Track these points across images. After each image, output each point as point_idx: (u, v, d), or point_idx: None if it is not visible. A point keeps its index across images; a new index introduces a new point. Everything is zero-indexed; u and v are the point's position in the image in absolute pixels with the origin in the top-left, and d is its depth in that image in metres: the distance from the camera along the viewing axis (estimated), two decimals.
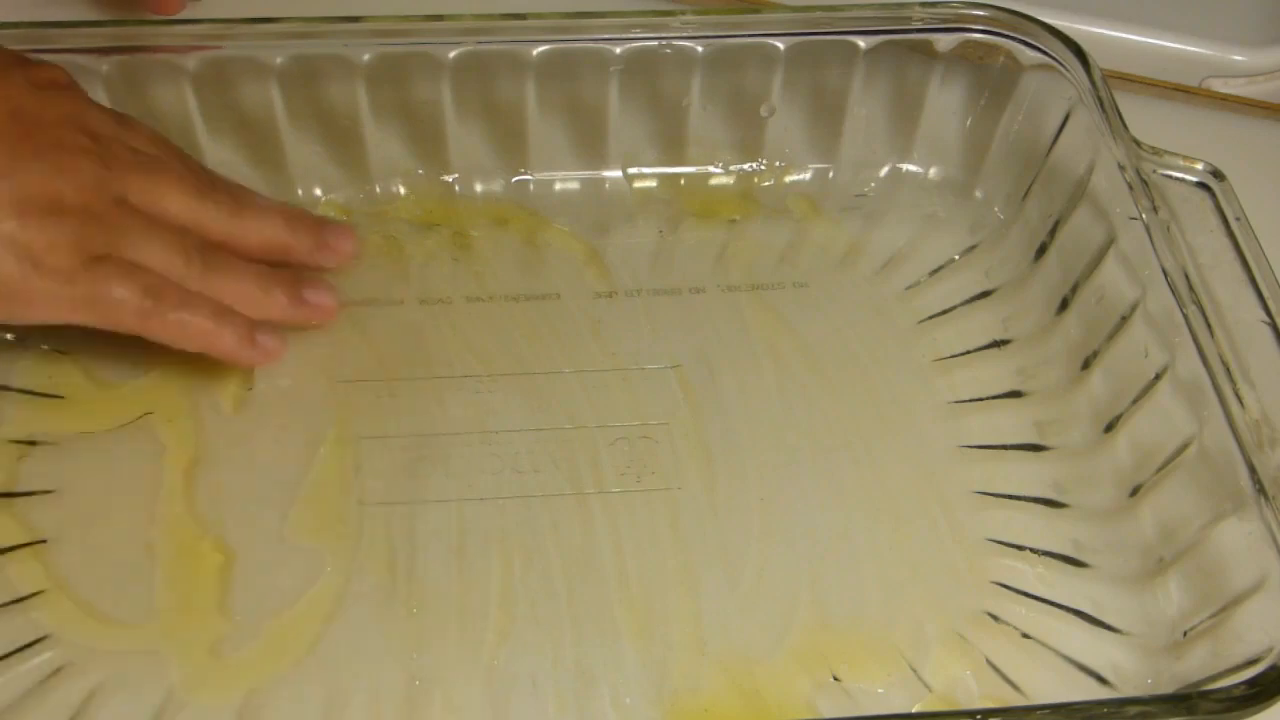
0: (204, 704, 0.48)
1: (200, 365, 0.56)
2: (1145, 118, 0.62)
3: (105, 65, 0.58)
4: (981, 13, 0.60)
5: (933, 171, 0.65)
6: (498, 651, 0.50)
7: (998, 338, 0.60)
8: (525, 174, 0.63)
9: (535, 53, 0.59)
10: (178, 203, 0.53)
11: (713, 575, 0.52)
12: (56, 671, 0.48)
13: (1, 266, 0.48)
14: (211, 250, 0.54)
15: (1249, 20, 0.73)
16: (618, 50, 0.60)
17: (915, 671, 0.50)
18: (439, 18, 0.59)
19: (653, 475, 0.55)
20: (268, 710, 0.48)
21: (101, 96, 0.58)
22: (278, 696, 0.48)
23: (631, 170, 0.64)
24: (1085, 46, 0.59)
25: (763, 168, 0.64)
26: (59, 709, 0.47)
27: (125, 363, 0.56)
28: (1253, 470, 0.48)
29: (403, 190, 0.63)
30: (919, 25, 0.61)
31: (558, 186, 0.64)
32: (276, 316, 0.56)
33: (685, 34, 0.60)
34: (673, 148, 0.64)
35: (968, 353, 0.59)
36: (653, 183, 0.64)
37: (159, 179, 0.53)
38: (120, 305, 0.51)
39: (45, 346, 0.56)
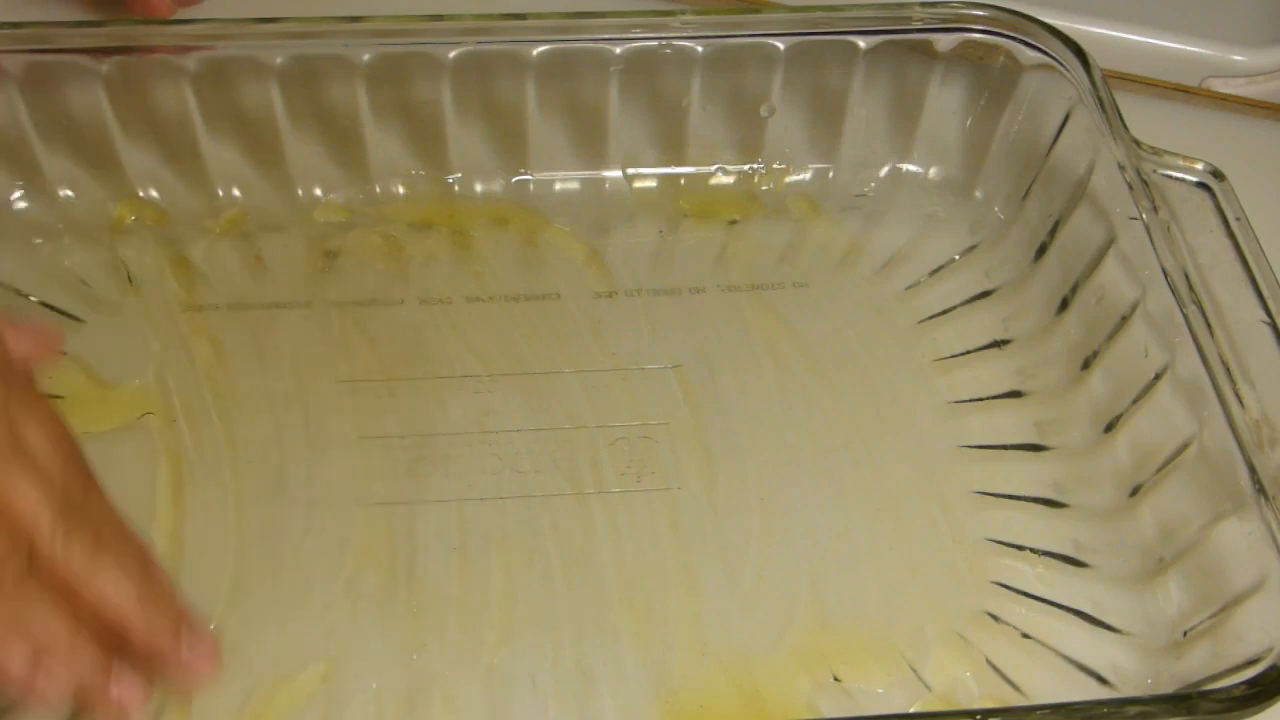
0: (204, 703, 0.48)
1: (199, 366, 0.56)
2: (1145, 118, 0.62)
3: (105, 65, 0.57)
4: (981, 13, 0.60)
5: (933, 171, 0.65)
6: (498, 651, 0.50)
7: (998, 338, 0.60)
8: (525, 174, 0.63)
9: (535, 53, 0.59)
10: (27, 503, 0.43)
11: (713, 575, 0.52)
12: None
13: None
14: (37, 570, 0.43)
15: (1249, 20, 0.73)
16: (618, 50, 0.60)
17: (915, 671, 0.50)
18: (439, 18, 0.59)
19: (653, 475, 0.55)
20: (269, 710, 0.48)
21: (101, 97, 0.58)
22: (278, 696, 0.48)
23: (631, 170, 0.64)
24: (1085, 47, 0.59)
25: (763, 168, 0.64)
26: (58, 709, 0.47)
27: (125, 363, 0.56)
28: (1253, 470, 0.48)
29: (402, 190, 0.63)
30: (919, 25, 0.61)
31: (558, 186, 0.64)
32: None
33: (685, 34, 0.60)
34: (673, 148, 0.64)
35: (968, 353, 0.59)
36: (653, 183, 0.64)
37: (15, 470, 0.43)
38: None
39: None
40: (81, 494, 0.45)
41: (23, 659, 0.43)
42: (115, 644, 0.44)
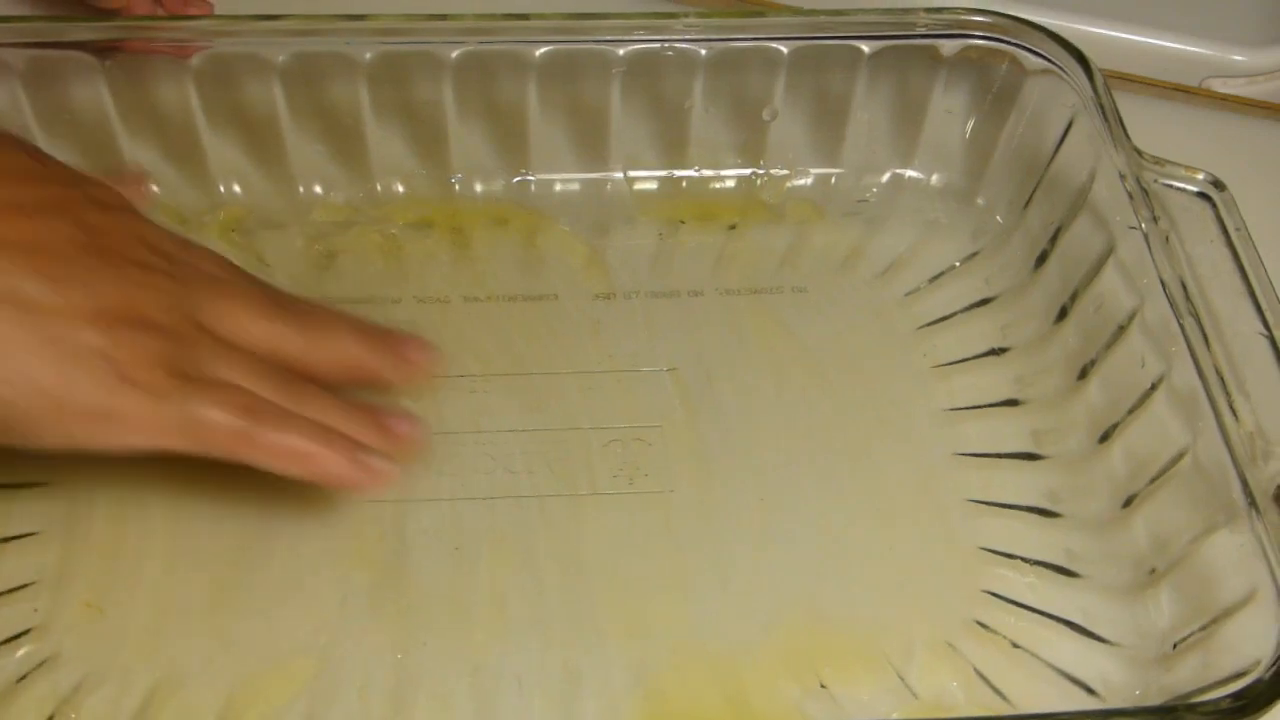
0: (191, 695, 0.48)
1: None
2: (1145, 118, 0.62)
3: (108, 61, 0.58)
4: (985, 19, 0.60)
5: (935, 178, 0.65)
6: (485, 650, 0.50)
7: (996, 345, 0.60)
8: (526, 174, 0.63)
9: (538, 53, 0.59)
10: (253, 325, 0.49)
11: (702, 579, 0.52)
12: (42, 663, 0.49)
13: (88, 382, 0.44)
14: (293, 378, 0.49)
15: (1249, 20, 0.73)
16: (620, 52, 0.60)
17: (902, 679, 0.50)
18: (442, 17, 0.59)
19: (646, 478, 0.55)
20: (255, 703, 0.48)
21: (104, 92, 0.58)
22: (265, 690, 0.48)
23: (632, 172, 0.64)
24: (1085, 47, 0.59)
25: (764, 171, 0.64)
26: (45, 700, 0.48)
27: None
28: (1245, 483, 0.48)
29: (403, 189, 0.63)
30: (922, 31, 0.61)
31: (558, 187, 0.64)
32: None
33: (688, 36, 0.60)
34: (674, 150, 0.64)
35: (966, 360, 0.59)
36: (653, 185, 0.64)
37: (232, 300, 0.49)
38: (215, 427, 0.46)
39: None
40: (274, 294, 0.51)
41: (339, 445, 0.48)
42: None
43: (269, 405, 0.47)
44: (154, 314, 0.46)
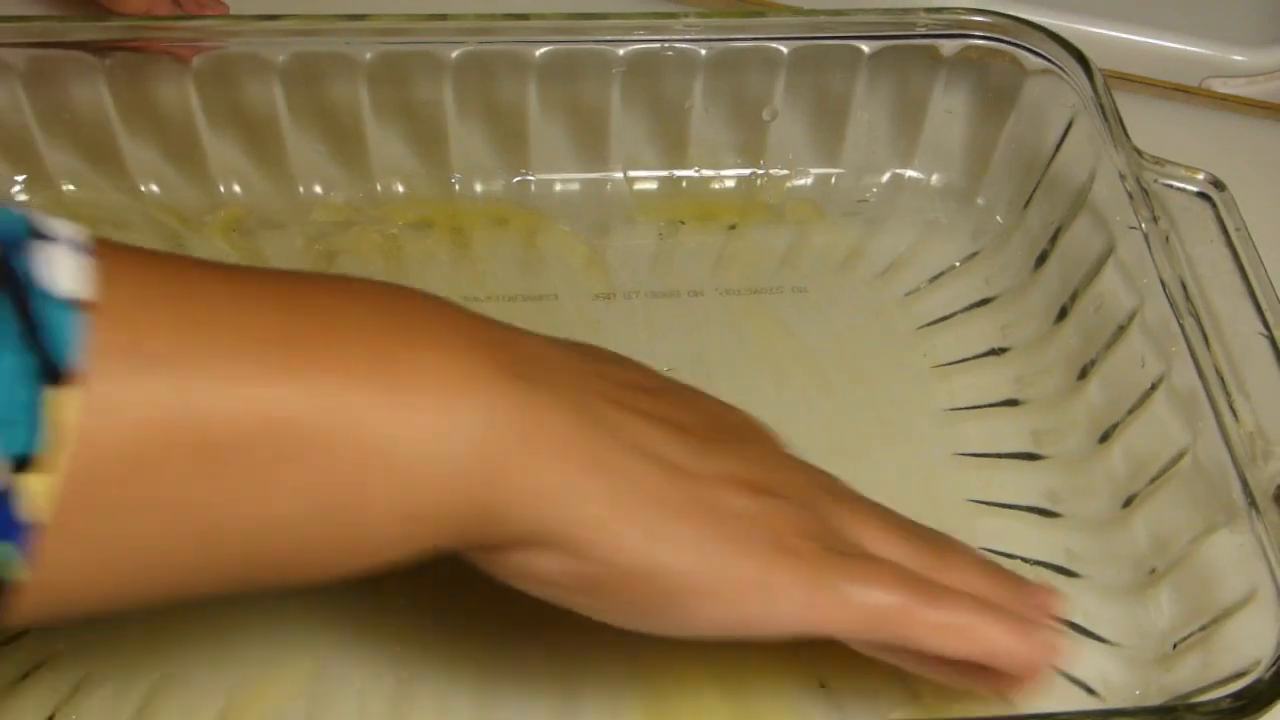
0: (189, 696, 0.48)
1: None
2: (1145, 118, 0.62)
3: (108, 60, 0.58)
4: (985, 19, 0.60)
5: (935, 178, 0.65)
6: (485, 651, 0.50)
7: (996, 345, 0.60)
8: (526, 175, 0.63)
9: (538, 53, 0.59)
10: (881, 534, 0.44)
11: None
12: (42, 663, 0.48)
13: (744, 546, 0.40)
14: (938, 544, 0.46)
15: (1249, 20, 0.73)
16: (620, 52, 0.60)
17: (902, 679, 0.50)
18: (442, 17, 0.59)
19: None
20: (255, 704, 0.48)
21: (104, 92, 0.58)
22: (265, 691, 0.48)
23: (633, 172, 0.64)
24: (1085, 47, 0.59)
25: (764, 172, 0.64)
26: (45, 700, 0.48)
27: None
28: (1245, 483, 0.48)
29: (403, 189, 0.63)
30: (923, 31, 0.61)
31: (558, 187, 0.64)
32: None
33: (688, 36, 0.60)
34: (674, 150, 0.64)
35: (966, 359, 0.59)
36: (653, 185, 0.64)
37: (859, 509, 0.45)
38: (874, 605, 0.41)
39: None
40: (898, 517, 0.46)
41: (976, 609, 0.43)
42: None
43: (920, 579, 0.43)
44: (793, 490, 0.43)
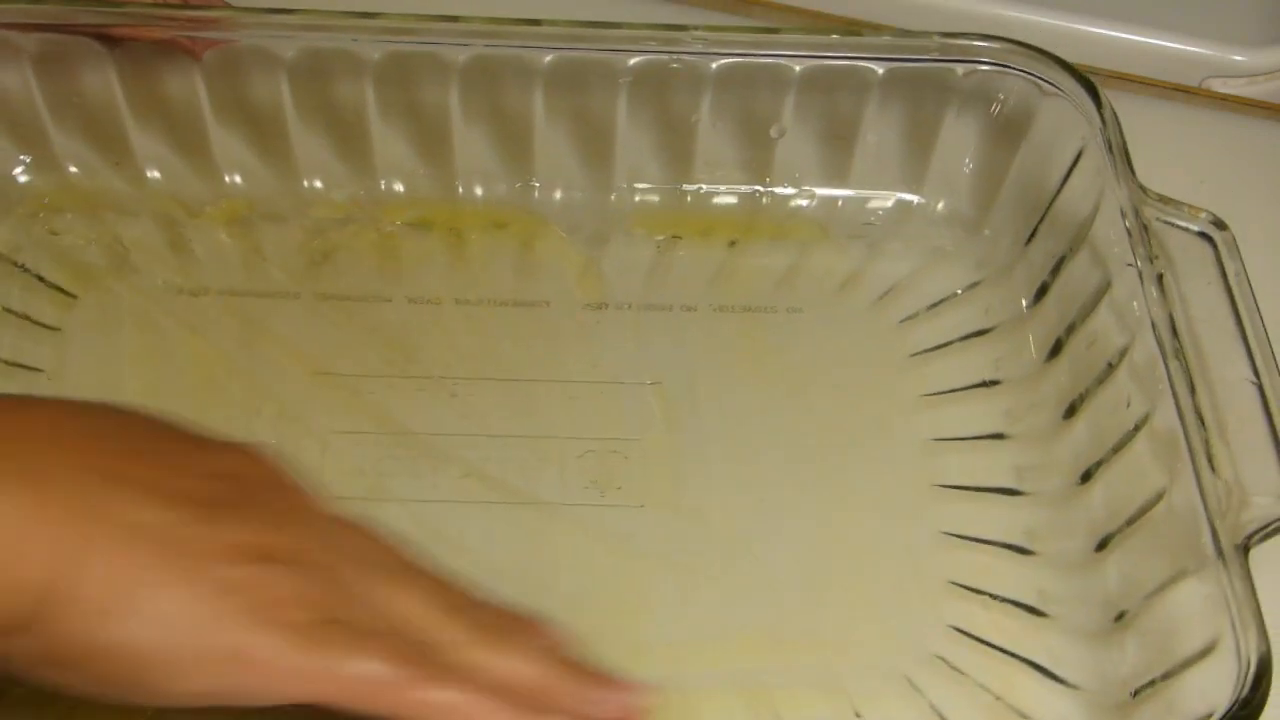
0: None
1: (182, 349, 0.56)
2: (1145, 118, 0.60)
3: (116, 48, 0.58)
4: (998, 46, 0.59)
5: (942, 205, 0.64)
6: None
7: (988, 378, 0.59)
8: (528, 180, 0.63)
9: (546, 60, 0.59)
10: (415, 608, 0.43)
11: (664, 598, 0.52)
12: None
13: (220, 620, 0.40)
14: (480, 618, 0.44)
15: (1249, 20, 0.72)
16: (630, 62, 0.60)
17: (858, 715, 0.49)
18: (453, 19, 0.59)
19: (618, 490, 0.54)
20: None
21: (113, 81, 0.59)
22: None
23: (636, 183, 0.63)
24: (1085, 47, 0.58)
25: (769, 189, 0.64)
26: None
27: (113, 341, 0.57)
28: (1215, 532, 0.47)
29: (404, 189, 0.63)
30: (936, 56, 0.60)
31: (560, 195, 0.63)
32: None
33: (698, 50, 0.60)
34: (679, 163, 0.63)
35: (956, 390, 0.58)
36: (656, 197, 0.64)
37: (400, 579, 0.44)
38: (366, 675, 0.40)
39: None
40: (460, 594, 0.45)
41: (484, 694, 0.42)
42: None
43: (429, 658, 0.42)
44: (308, 556, 0.42)
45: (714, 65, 0.60)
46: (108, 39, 0.58)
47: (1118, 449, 0.53)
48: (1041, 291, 0.59)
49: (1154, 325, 0.52)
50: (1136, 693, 0.48)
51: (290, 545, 0.42)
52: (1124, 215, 0.55)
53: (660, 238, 0.63)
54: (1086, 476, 0.54)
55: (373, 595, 0.42)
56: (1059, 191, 0.59)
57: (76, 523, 0.39)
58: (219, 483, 0.42)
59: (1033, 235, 0.60)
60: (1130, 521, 0.51)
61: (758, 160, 0.63)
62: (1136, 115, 0.57)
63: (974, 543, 0.54)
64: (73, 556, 0.38)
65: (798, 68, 0.60)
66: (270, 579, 0.40)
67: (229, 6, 0.61)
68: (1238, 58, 0.71)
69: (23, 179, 0.61)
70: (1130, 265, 0.54)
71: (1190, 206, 0.55)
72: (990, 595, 0.52)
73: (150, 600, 0.39)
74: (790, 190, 0.64)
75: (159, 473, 0.42)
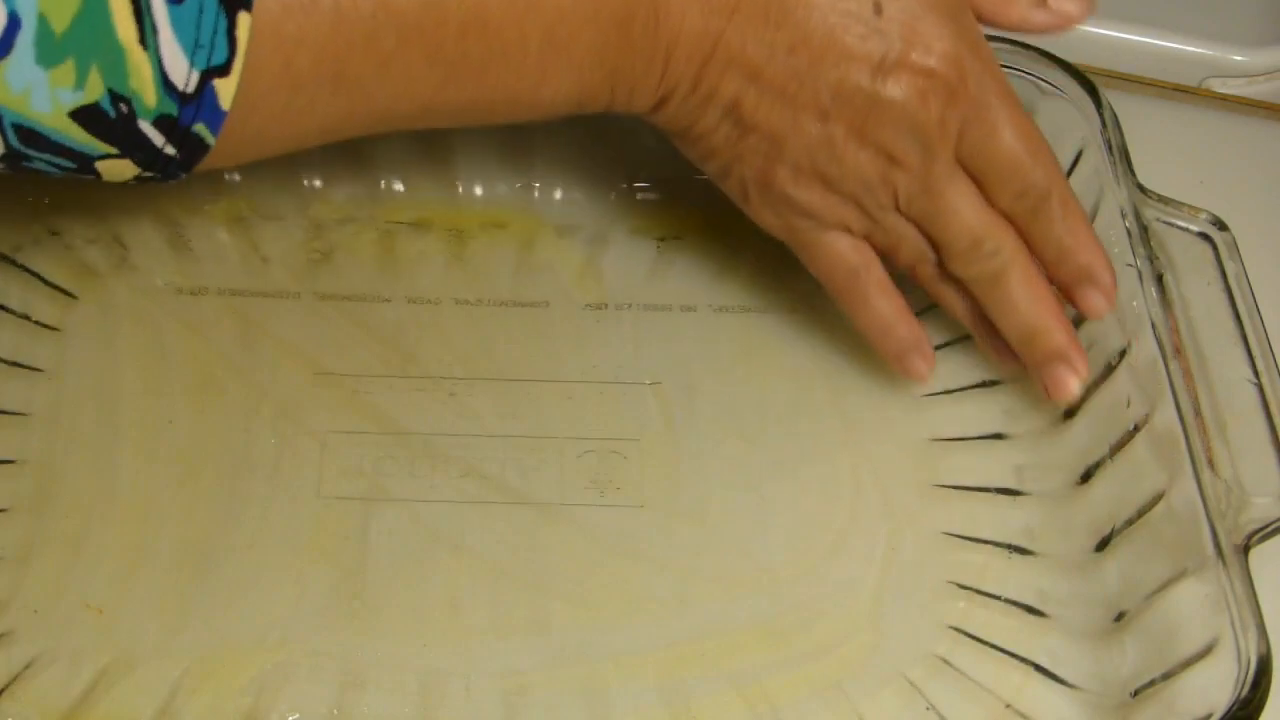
0: (137, 680, 0.48)
1: (181, 348, 0.56)
2: (1145, 118, 0.60)
3: None
4: (997, 46, 0.59)
5: None
6: (435, 653, 0.49)
7: (988, 378, 0.59)
8: (529, 181, 0.63)
9: None
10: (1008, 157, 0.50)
11: (663, 597, 0.52)
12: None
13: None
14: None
15: (1249, 20, 0.73)
16: None
17: (859, 715, 0.49)
18: None
19: (617, 490, 0.54)
20: (203, 691, 0.48)
21: None
22: (214, 678, 0.48)
23: (637, 184, 0.63)
24: (1085, 47, 0.58)
25: None
26: None
27: (112, 340, 0.57)
28: (1214, 533, 0.47)
29: (403, 189, 0.63)
30: None
31: (560, 195, 0.63)
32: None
33: None
34: (681, 163, 0.63)
35: (955, 390, 0.58)
36: (657, 196, 0.63)
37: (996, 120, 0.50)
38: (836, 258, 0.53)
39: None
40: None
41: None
42: None
43: (879, 272, 0.54)
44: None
45: None
46: None
47: (1118, 449, 0.53)
48: None
49: (1154, 325, 0.52)
50: (1136, 693, 0.48)
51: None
52: (1124, 215, 0.55)
53: (661, 238, 0.62)
54: (1086, 476, 0.54)
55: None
56: None
57: None
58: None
59: None
60: (1130, 521, 0.51)
61: None
62: (1136, 115, 0.57)
63: (974, 543, 0.54)
64: None
65: None
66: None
67: None
68: (1238, 58, 0.71)
69: (24, 179, 0.61)
70: (1130, 265, 0.54)
71: (1190, 207, 0.55)
72: (990, 595, 0.52)
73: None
74: None
75: None
